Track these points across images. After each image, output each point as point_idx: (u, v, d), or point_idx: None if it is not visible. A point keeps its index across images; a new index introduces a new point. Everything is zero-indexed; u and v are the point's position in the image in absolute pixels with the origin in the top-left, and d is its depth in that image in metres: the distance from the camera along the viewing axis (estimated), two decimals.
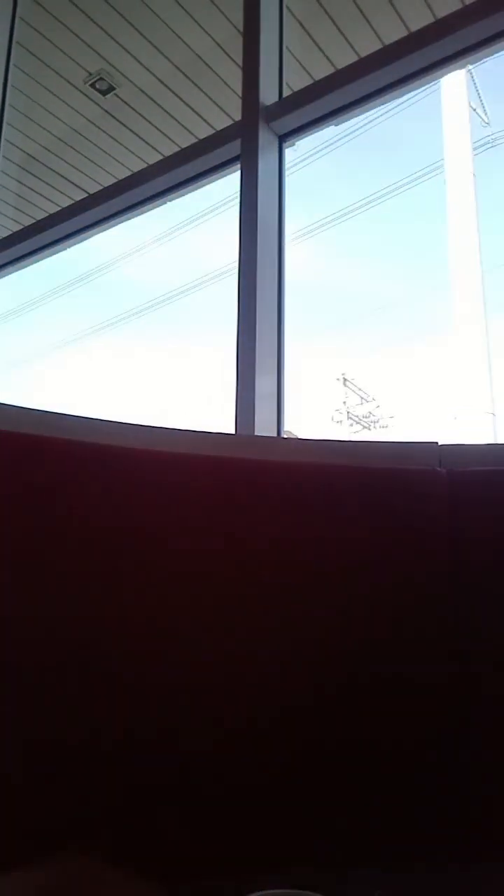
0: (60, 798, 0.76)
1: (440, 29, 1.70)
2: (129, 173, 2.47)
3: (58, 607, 0.80)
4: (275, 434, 1.73)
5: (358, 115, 1.94)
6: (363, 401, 15.77)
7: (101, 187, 2.73)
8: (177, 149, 2.58)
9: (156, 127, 2.90)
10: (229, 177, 2.12)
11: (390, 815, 0.83)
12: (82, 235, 2.57)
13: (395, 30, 2.27)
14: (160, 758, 0.79)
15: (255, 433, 1.63)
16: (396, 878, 0.75)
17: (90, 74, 2.76)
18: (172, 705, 0.81)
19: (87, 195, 2.57)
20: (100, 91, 2.82)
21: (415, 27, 1.85)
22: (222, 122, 2.70)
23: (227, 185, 2.12)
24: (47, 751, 0.76)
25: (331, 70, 2.18)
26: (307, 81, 2.02)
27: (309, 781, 0.82)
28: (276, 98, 1.98)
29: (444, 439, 1.00)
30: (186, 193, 2.28)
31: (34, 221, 2.83)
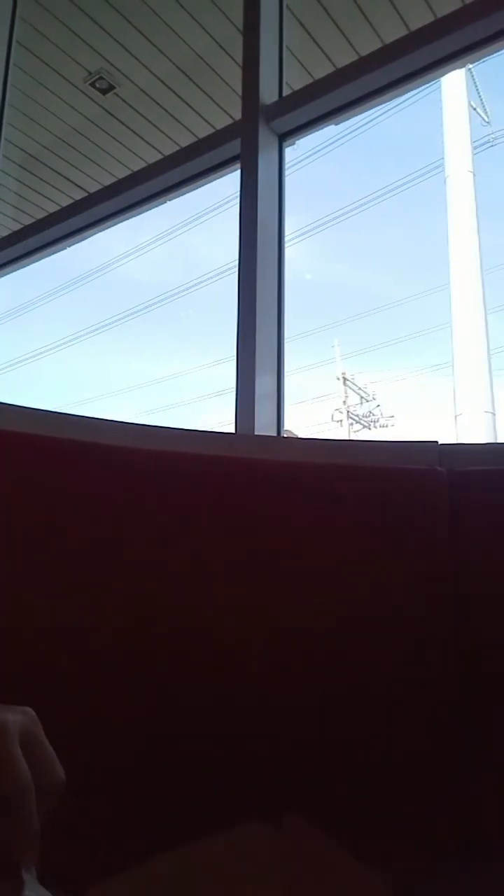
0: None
1: (440, 28, 1.70)
2: (129, 172, 2.47)
3: (58, 606, 0.80)
4: (275, 434, 1.73)
5: (358, 115, 1.94)
6: (363, 401, 15.79)
7: (101, 186, 2.73)
8: (177, 148, 2.58)
9: (156, 126, 2.90)
10: (229, 176, 2.12)
11: (393, 813, 0.83)
12: (82, 234, 2.57)
13: (395, 29, 2.27)
14: (157, 753, 0.79)
15: (255, 433, 1.63)
16: (399, 878, 0.75)
17: (90, 73, 2.76)
18: (172, 703, 0.81)
19: (87, 194, 2.57)
20: (100, 90, 2.82)
21: (415, 26, 1.85)
22: (222, 122, 2.70)
23: (227, 185, 2.13)
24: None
25: (331, 69, 2.18)
26: (307, 80, 2.02)
27: (309, 780, 0.82)
28: (276, 97, 1.98)
29: (444, 439, 1.00)
30: (186, 192, 2.28)
31: (34, 221, 2.83)
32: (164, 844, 0.73)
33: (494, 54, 1.74)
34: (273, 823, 0.66)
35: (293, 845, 0.65)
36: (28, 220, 3.02)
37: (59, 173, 3.15)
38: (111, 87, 2.81)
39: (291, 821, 0.66)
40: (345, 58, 2.27)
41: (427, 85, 1.88)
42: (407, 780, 0.84)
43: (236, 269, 1.83)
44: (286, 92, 2.01)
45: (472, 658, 0.86)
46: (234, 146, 1.98)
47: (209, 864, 0.63)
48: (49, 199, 3.22)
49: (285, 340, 1.82)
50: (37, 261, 2.79)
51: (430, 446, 0.99)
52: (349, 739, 0.84)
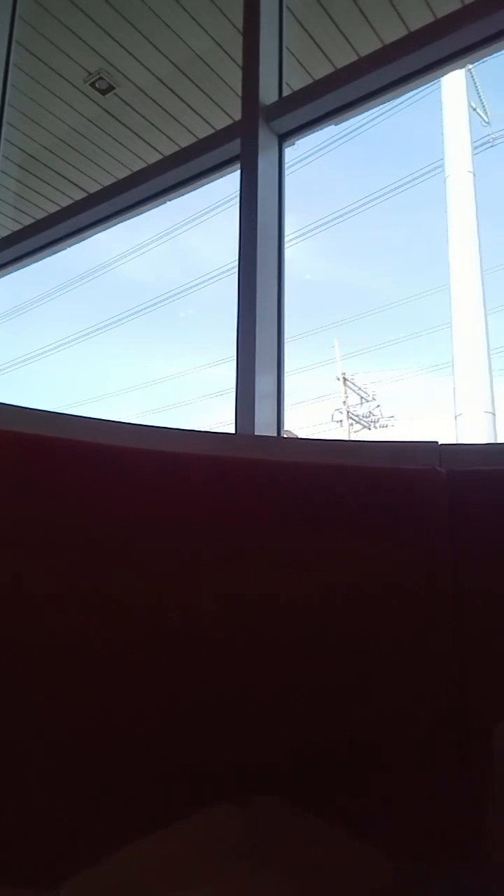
0: (68, 784, 0.76)
1: (440, 28, 1.70)
2: (128, 173, 2.47)
3: (57, 605, 0.80)
4: (275, 434, 1.73)
5: (358, 115, 1.94)
6: (363, 401, 15.79)
7: (101, 187, 2.73)
8: (176, 148, 2.58)
9: (156, 126, 2.90)
10: (229, 176, 2.12)
11: (393, 812, 0.83)
12: (82, 235, 2.58)
13: (394, 29, 2.27)
14: (155, 752, 0.79)
15: (255, 433, 1.63)
16: (402, 878, 0.75)
17: (90, 74, 2.76)
18: (173, 702, 0.81)
19: (87, 195, 2.58)
20: (100, 90, 2.82)
21: (415, 26, 1.86)
22: (222, 122, 2.70)
23: (227, 185, 2.13)
24: (49, 739, 0.76)
25: (330, 69, 2.19)
26: (307, 81, 2.02)
27: (310, 780, 0.82)
28: (275, 97, 1.98)
29: (444, 439, 1.00)
30: (186, 193, 2.28)
31: (34, 221, 2.83)
32: (139, 833, 0.73)
33: (494, 55, 1.74)
34: (243, 807, 0.67)
35: (265, 824, 0.66)
36: (28, 221, 3.02)
37: (59, 173, 3.15)
38: (111, 88, 2.81)
39: (264, 807, 0.67)
40: (345, 58, 2.27)
41: (427, 85, 1.88)
42: (407, 778, 0.84)
43: (236, 269, 1.83)
44: (286, 92, 2.01)
45: (471, 657, 0.86)
46: (234, 146, 1.98)
47: (180, 847, 0.63)
48: (49, 199, 3.22)
49: (285, 340, 1.82)
50: (37, 261, 2.79)
51: (430, 446, 0.99)
52: (349, 738, 0.84)
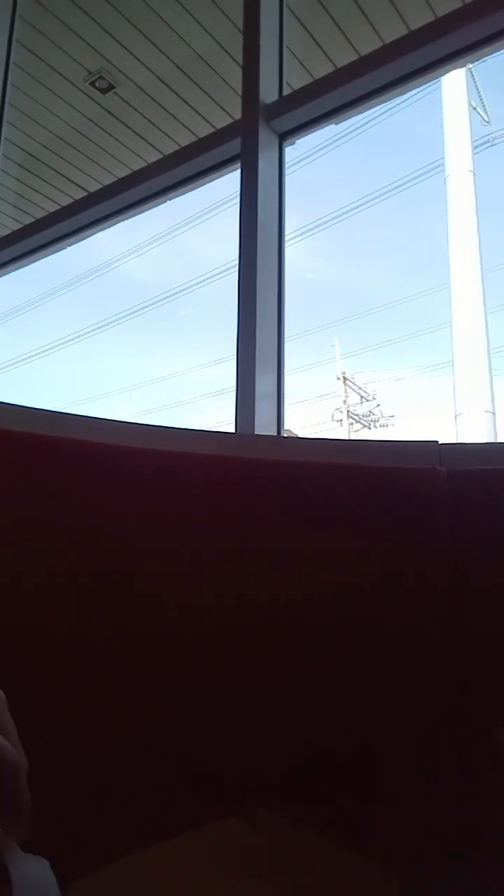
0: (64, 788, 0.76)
1: (440, 27, 1.70)
2: (129, 172, 2.47)
3: (57, 605, 0.80)
4: (275, 433, 1.73)
5: (358, 114, 1.95)
6: (363, 400, 15.80)
7: (101, 186, 2.73)
8: (177, 147, 2.58)
9: (156, 125, 2.90)
10: (229, 175, 2.12)
11: (393, 812, 0.83)
12: (82, 234, 2.58)
13: (395, 28, 2.27)
14: (155, 752, 0.79)
15: (255, 432, 1.63)
16: (399, 878, 0.75)
17: (90, 73, 2.76)
18: (173, 702, 0.81)
19: (87, 194, 2.58)
20: (100, 89, 2.82)
21: (415, 26, 1.86)
22: (222, 121, 2.70)
23: (228, 184, 2.13)
24: (47, 743, 0.76)
25: (331, 68, 2.18)
26: (307, 80, 2.02)
27: (309, 780, 0.82)
28: (276, 96, 1.98)
29: (444, 439, 1.00)
30: (186, 192, 2.28)
31: (34, 220, 2.83)
32: (140, 833, 0.73)
33: (494, 54, 1.74)
34: (248, 819, 0.67)
35: (269, 839, 0.66)
36: (28, 220, 3.02)
37: (60, 172, 3.15)
38: (111, 87, 2.81)
39: (266, 816, 0.67)
40: (345, 57, 2.27)
41: (427, 84, 1.88)
42: (407, 778, 0.84)
43: (236, 268, 1.83)
44: (286, 91, 2.01)
45: (471, 657, 0.86)
46: (234, 146, 1.98)
47: (185, 860, 0.64)
48: (49, 198, 3.22)
49: (285, 339, 1.82)
50: (37, 260, 2.79)
51: (430, 446, 0.99)
52: (349, 738, 0.84)
